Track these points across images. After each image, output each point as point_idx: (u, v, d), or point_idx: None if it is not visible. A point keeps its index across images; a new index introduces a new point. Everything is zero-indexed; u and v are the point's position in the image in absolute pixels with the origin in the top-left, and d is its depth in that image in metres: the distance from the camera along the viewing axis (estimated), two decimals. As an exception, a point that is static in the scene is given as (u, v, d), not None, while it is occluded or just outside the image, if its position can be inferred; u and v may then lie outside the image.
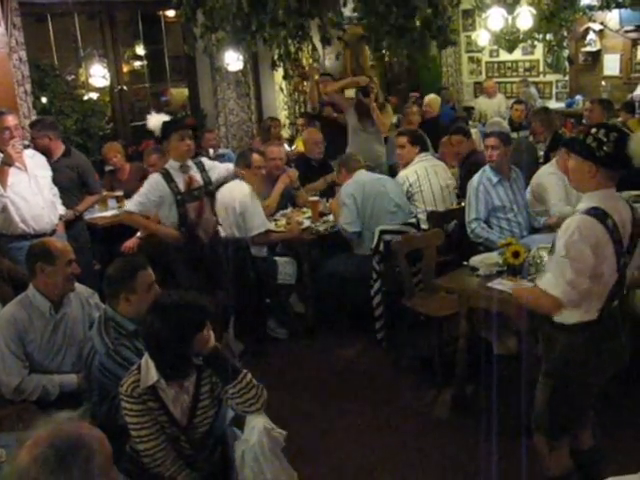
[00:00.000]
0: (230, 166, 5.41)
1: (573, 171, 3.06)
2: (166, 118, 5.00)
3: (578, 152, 2.99)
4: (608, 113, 7.86)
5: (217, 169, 5.19)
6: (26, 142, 5.91)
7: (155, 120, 4.95)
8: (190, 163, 4.94)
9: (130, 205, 4.96)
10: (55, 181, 5.54)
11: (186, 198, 4.85)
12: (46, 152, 5.68)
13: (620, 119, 8.94)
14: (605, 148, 2.87)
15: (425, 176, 5.97)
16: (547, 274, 3.02)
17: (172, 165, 4.87)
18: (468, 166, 6.25)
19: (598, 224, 2.85)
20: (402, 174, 6.08)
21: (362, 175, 5.65)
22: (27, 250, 3.71)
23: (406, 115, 8.51)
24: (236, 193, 5.40)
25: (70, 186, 5.79)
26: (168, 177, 4.83)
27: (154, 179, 4.88)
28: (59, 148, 5.81)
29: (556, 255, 2.94)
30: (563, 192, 5.26)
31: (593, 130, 2.96)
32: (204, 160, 5.21)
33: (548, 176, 5.42)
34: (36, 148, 5.68)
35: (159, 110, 8.93)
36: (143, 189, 4.90)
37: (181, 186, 4.84)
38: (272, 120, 8.44)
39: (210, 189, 5.05)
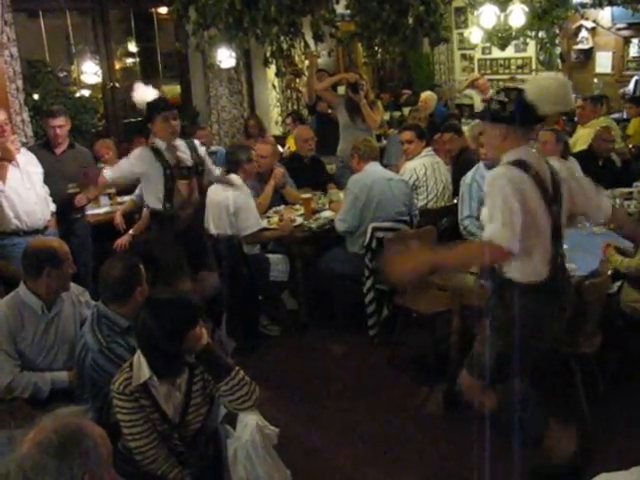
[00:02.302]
0: (217, 172, 5.36)
1: (487, 139, 3.26)
2: (152, 93, 4.96)
3: (487, 119, 3.18)
4: (602, 108, 7.89)
5: (209, 163, 5.19)
6: (24, 139, 5.89)
7: (141, 93, 4.93)
8: (178, 143, 4.91)
9: (109, 172, 4.89)
10: (63, 172, 5.53)
11: (175, 172, 4.81)
12: (64, 140, 5.68)
13: (626, 113, 9.01)
14: (508, 107, 3.04)
15: (432, 171, 5.99)
16: (488, 225, 3.05)
17: (158, 143, 4.83)
18: (460, 163, 6.27)
19: (521, 172, 2.97)
20: (410, 166, 6.06)
21: (372, 171, 5.55)
22: (27, 251, 3.64)
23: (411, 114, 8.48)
24: (230, 192, 5.37)
25: (76, 178, 5.77)
26: (156, 151, 4.79)
27: (142, 151, 4.83)
28: (67, 139, 5.80)
29: (487, 207, 3.03)
30: None
31: (494, 95, 3.18)
32: (197, 142, 5.17)
33: None
34: (55, 136, 5.62)
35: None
36: (128, 158, 4.87)
37: (170, 161, 4.81)
38: (252, 118, 8.45)
39: (200, 169, 5.01)
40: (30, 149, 5.56)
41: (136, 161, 4.82)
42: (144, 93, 4.93)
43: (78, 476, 1.72)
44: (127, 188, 6.42)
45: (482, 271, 3.44)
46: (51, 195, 5.40)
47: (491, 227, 2.95)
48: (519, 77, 11.63)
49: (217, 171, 5.36)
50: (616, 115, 9.20)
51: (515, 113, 3.02)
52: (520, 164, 2.99)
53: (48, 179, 5.37)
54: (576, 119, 8.03)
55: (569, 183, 3.20)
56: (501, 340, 3.14)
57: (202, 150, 5.16)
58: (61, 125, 5.61)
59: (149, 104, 4.88)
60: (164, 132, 4.81)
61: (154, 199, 4.87)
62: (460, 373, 3.43)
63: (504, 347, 3.13)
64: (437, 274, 4.55)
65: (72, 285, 3.75)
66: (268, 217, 5.93)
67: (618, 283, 4.38)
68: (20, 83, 6.69)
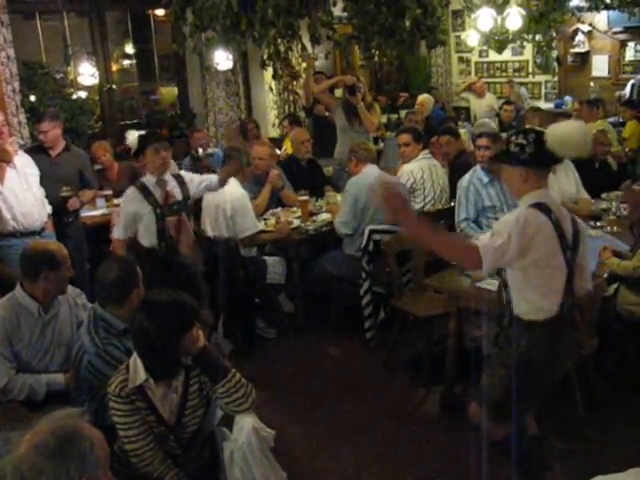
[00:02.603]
0: (212, 177, 5.24)
1: (507, 180, 3.25)
2: (141, 132, 4.97)
3: (506, 161, 3.17)
4: (598, 112, 7.90)
5: (196, 182, 5.06)
6: (21, 141, 5.89)
7: (133, 136, 4.93)
8: (168, 177, 4.85)
9: (116, 232, 4.89)
10: (58, 174, 5.53)
11: (165, 212, 4.78)
12: (53, 144, 5.67)
13: (620, 116, 9.02)
14: (527, 150, 3.04)
15: (429, 174, 5.99)
16: (485, 235, 3.09)
17: (148, 179, 4.79)
18: (457, 166, 6.27)
19: (542, 215, 2.99)
20: (407, 169, 6.06)
21: (370, 174, 5.50)
22: (25, 253, 3.62)
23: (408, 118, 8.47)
24: (227, 194, 5.36)
25: (72, 180, 5.77)
26: (145, 191, 4.75)
27: (130, 194, 4.80)
28: (62, 141, 5.79)
29: (500, 223, 3.07)
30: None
31: (512, 137, 3.14)
32: (183, 173, 5.14)
33: None
34: (45, 141, 5.63)
35: (148, 110, 8.98)
36: (122, 210, 4.86)
37: (160, 199, 4.77)
38: (251, 121, 8.45)
39: (188, 204, 4.96)
40: (26, 151, 5.55)
41: (129, 203, 4.81)
42: (135, 134, 4.93)
43: (75, 478, 1.71)
44: (123, 190, 6.42)
45: (493, 310, 3.43)
46: (45, 197, 5.39)
47: (488, 241, 2.96)
48: (517, 80, 11.68)
49: (214, 178, 5.29)
50: (612, 119, 9.21)
51: (534, 155, 3.02)
52: (542, 207, 3.01)
53: (42, 182, 5.36)
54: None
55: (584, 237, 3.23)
56: (510, 376, 3.13)
57: (189, 178, 5.06)
58: (45, 130, 5.60)
59: (140, 137, 4.87)
60: (154, 164, 4.75)
61: (147, 238, 4.79)
62: (469, 406, 3.44)
63: (511, 382, 3.12)
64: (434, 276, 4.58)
65: (69, 287, 3.74)
66: (265, 219, 5.93)
67: (614, 286, 4.39)
68: (17, 85, 6.69)
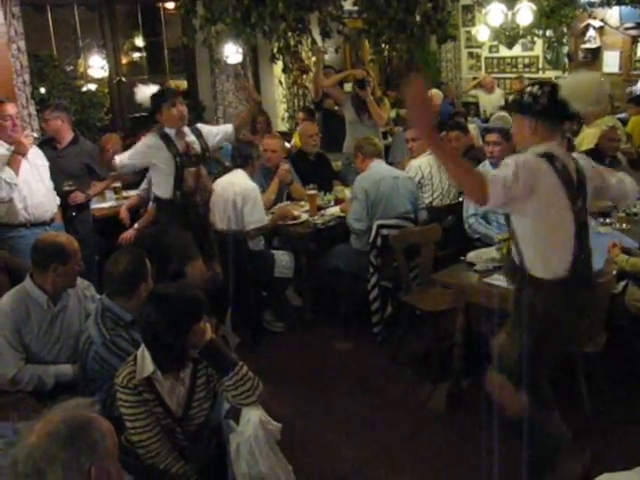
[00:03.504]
0: (229, 128, 5.32)
1: (516, 130, 3.24)
2: (154, 88, 4.97)
3: (517, 110, 3.18)
4: (607, 108, 7.86)
5: (214, 133, 5.18)
6: (35, 134, 5.91)
7: (143, 92, 4.94)
8: (186, 129, 4.93)
9: (117, 159, 4.89)
10: (63, 168, 5.55)
11: (185, 162, 4.82)
12: (56, 136, 5.70)
13: (627, 113, 8.97)
14: (541, 100, 3.03)
15: (437, 169, 5.97)
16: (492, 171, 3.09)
17: (168, 131, 4.85)
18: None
19: (547, 164, 2.97)
20: (415, 164, 6.04)
21: (378, 169, 5.54)
22: (37, 245, 3.64)
23: None
24: (237, 187, 5.38)
25: (79, 174, 5.79)
26: (167, 138, 4.81)
27: (151, 139, 4.85)
28: (69, 134, 5.82)
29: (504, 165, 3.01)
30: None
31: (527, 88, 3.14)
32: (200, 126, 5.18)
33: None
34: (45, 131, 5.68)
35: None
36: (138, 146, 4.90)
37: (180, 148, 4.83)
38: (260, 114, 8.43)
39: (207, 155, 5.03)
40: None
41: (146, 149, 4.85)
42: (146, 90, 4.93)
43: (85, 467, 1.73)
44: (132, 182, 6.44)
45: (505, 268, 3.40)
46: None
47: (496, 174, 2.93)
48: (526, 76, 11.63)
49: (229, 128, 5.33)
50: (622, 115, 9.17)
51: (547, 107, 3.02)
52: (547, 156, 2.99)
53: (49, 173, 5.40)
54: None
55: (594, 181, 3.20)
56: (522, 337, 3.12)
57: (206, 130, 5.16)
58: (46, 119, 5.75)
59: (154, 95, 4.89)
60: (172, 118, 4.83)
61: (164, 188, 4.88)
62: (487, 374, 3.38)
63: (526, 344, 3.11)
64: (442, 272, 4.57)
65: (78, 279, 3.75)
66: (273, 213, 5.93)
67: (623, 283, 4.37)
68: (27, 77, 6.72)
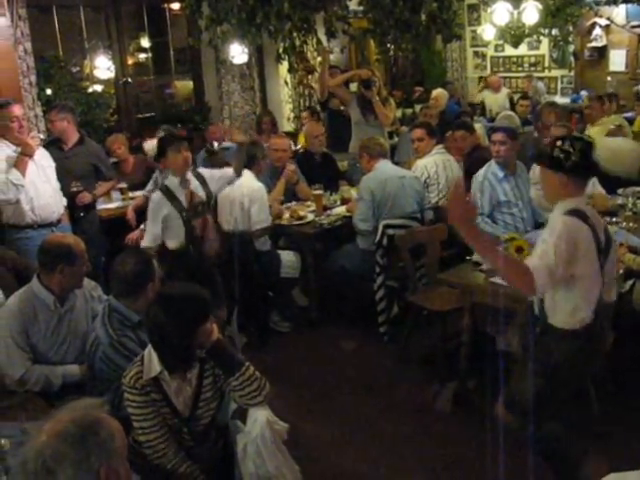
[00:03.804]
0: (229, 171, 5.31)
1: (546, 184, 3.21)
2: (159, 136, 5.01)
3: (548, 165, 3.13)
4: (611, 106, 7.84)
5: (216, 176, 5.15)
6: (42, 136, 5.93)
7: (151, 146, 4.97)
8: (190, 176, 4.91)
9: (146, 241, 4.91)
10: (69, 169, 5.56)
11: (190, 214, 4.83)
12: (62, 137, 5.73)
13: (634, 112, 8.95)
14: (573, 158, 3.00)
15: (443, 168, 5.97)
16: (533, 257, 3.04)
17: (172, 181, 4.84)
18: (472, 161, 6.25)
19: (581, 222, 2.96)
20: (421, 164, 6.04)
21: (384, 168, 5.54)
22: (44, 246, 3.65)
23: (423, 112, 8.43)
24: (244, 188, 5.38)
25: (85, 174, 5.80)
26: (169, 194, 4.81)
27: (155, 200, 4.85)
28: (75, 134, 5.83)
29: (544, 240, 3.01)
30: None
31: (559, 143, 3.09)
32: (203, 171, 5.15)
33: None
34: (52, 132, 5.71)
35: (164, 104, 9.00)
36: (149, 216, 4.88)
37: (184, 202, 4.83)
38: (265, 115, 8.45)
39: (212, 203, 5.02)
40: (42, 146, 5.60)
41: (158, 208, 4.83)
42: (153, 144, 4.97)
43: (94, 467, 1.74)
44: (138, 183, 6.46)
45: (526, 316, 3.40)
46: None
47: (538, 262, 2.92)
48: (534, 75, 11.61)
49: (229, 171, 5.31)
50: (629, 114, 9.15)
51: (578, 165, 3.00)
52: (579, 214, 2.98)
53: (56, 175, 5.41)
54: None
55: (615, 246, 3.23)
56: (542, 383, 3.13)
57: (208, 175, 5.12)
58: (52, 120, 5.74)
59: (160, 140, 4.92)
60: (176, 163, 4.82)
61: (175, 241, 4.85)
62: (496, 405, 3.39)
63: (544, 389, 3.13)
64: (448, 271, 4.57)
65: (85, 280, 3.77)
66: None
67: (630, 282, 4.36)
68: (33, 78, 6.72)
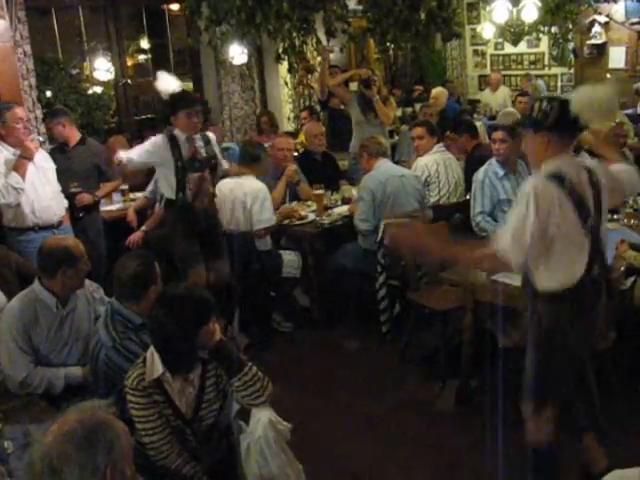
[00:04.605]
0: (225, 165, 5.37)
1: (529, 148, 3.21)
2: (175, 85, 4.97)
3: (529, 127, 3.15)
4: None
5: (220, 157, 5.23)
6: (41, 138, 5.94)
7: (165, 83, 4.94)
8: (197, 136, 4.96)
9: (126, 155, 4.90)
10: (72, 169, 5.57)
11: (187, 166, 4.85)
12: (64, 140, 5.74)
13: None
14: (551, 116, 3.02)
15: (444, 167, 5.98)
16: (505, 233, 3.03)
17: (178, 134, 4.88)
18: (473, 159, 6.25)
19: (556, 186, 2.93)
20: (421, 162, 6.05)
21: (385, 168, 5.54)
22: (43, 250, 3.65)
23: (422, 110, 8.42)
24: (247, 187, 5.38)
25: (87, 174, 5.81)
26: (174, 141, 4.84)
27: (159, 139, 4.88)
28: (75, 134, 5.84)
29: (511, 210, 3.04)
30: None
31: (536, 104, 3.13)
32: (210, 135, 5.19)
33: None
34: (53, 138, 5.73)
35: (164, 104, 8.98)
36: (146, 144, 4.92)
37: (185, 153, 4.85)
38: (265, 114, 8.46)
39: (213, 163, 5.04)
40: (49, 152, 5.63)
41: (152, 148, 4.87)
42: (168, 82, 4.94)
43: (101, 467, 1.75)
44: (139, 184, 6.45)
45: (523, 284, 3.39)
46: (61, 192, 5.44)
47: (504, 238, 2.94)
48: (533, 73, 11.60)
49: (225, 165, 5.36)
50: (629, 110, 9.14)
51: (558, 122, 3.01)
52: (557, 177, 2.96)
53: (58, 176, 5.41)
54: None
55: (609, 185, 3.17)
56: (540, 353, 3.13)
57: (214, 141, 5.19)
58: (49, 127, 5.86)
59: (173, 97, 4.91)
60: (186, 126, 4.88)
61: (167, 188, 4.94)
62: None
63: (544, 360, 3.12)
64: (448, 269, 4.56)
65: (87, 282, 3.77)
66: (280, 213, 5.92)
67: (632, 279, 4.36)
68: (33, 80, 6.71)
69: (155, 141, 4.89)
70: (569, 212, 2.95)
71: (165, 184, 4.96)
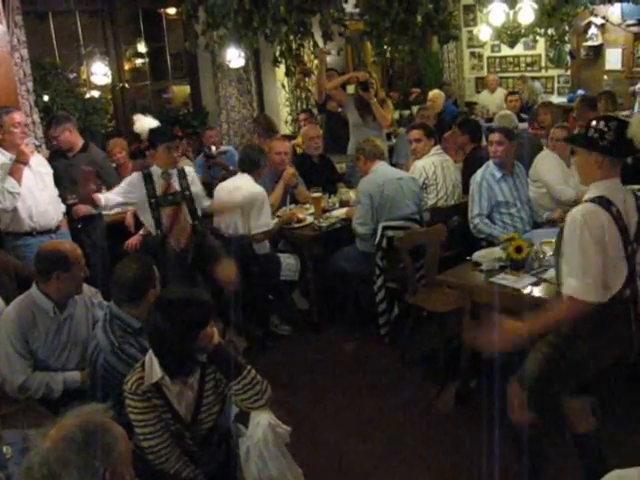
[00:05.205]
0: (205, 203, 5.26)
1: (581, 165, 3.18)
2: (153, 123, 4.96)
3: (583, 145, 3.11)
4: (602, 106, 7.83)
5: (197, 184, 5.15)
6: (37, 142, 5.92)
7: (142, 123, 4.94)
8: (172, 171, 4.93)
9: (106, 194, 4.94)
10: (74, 176, 5.56)
11: (161, 202, 4.84)
12: (69, 147, 5.74)
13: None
14: (607, 137, 2.99)
15: (441, 169, 5.99)
16: (568, 279, 3.01)
17: (155, 170, 4.87)
18: (471, 161, 6.26)
19: (602, 211, 2.92)
20: (419, 165, 6.05)
21: (382, 171, 5.53)
22: (39, 254, 3.65)
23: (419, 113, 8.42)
24: (245, 191, 5.37)
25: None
26: (148, 178, 4.83)
27: (133, 179, 4.87)
28: (78, 141, 5.83)
29: (565, 252, 3.00)
30: (561, 173, 5.47)
31: (593, 123, 3.07)
32: (187, 169, 5.15)
33: (542, 161, 5.70)
34: (58, 145, 5.71)
35: (161, 109, 8.99)
36: (122, 183, 4.92)
37: (158, 189, 4.84)
38: (261, 117, 8.46)
39: (187, 195, 4.98)
40: (47, 158, 5.61)
41: (127, 187, 4.88)
42: (145, 122, 4.94)
43: (100, 471, 1.74)
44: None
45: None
46: (60, 197, 5.43)
47: (571, 282, 2.94)
48: (529, 75, 11.63)
49: (206, 202, 5.28)
50: (627, 112, 9.15)
51: (614, 143, 2.98)
52: (602, 201, 2.95)
53: (59, 182, 5.41)
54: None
55: None
56: (551, 353, 3.14)
57: (193, 176, 5.12)
58: (55, 136, 5.74)
59: (153, 131, 4.90)
60: (164, 161, 4.85)
61: (147, 225, 4.93)
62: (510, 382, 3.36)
63: (552, 361, 3.14)
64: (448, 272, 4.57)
65: (85, 286, 3.76)
66: (278, 216, 5.93)
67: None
68: (30, 85, 6.72)
69: (131, 180, 4.90)
70: (614, 237, 2.95)
71: (144, 220, 4.95)
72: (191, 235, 5.01)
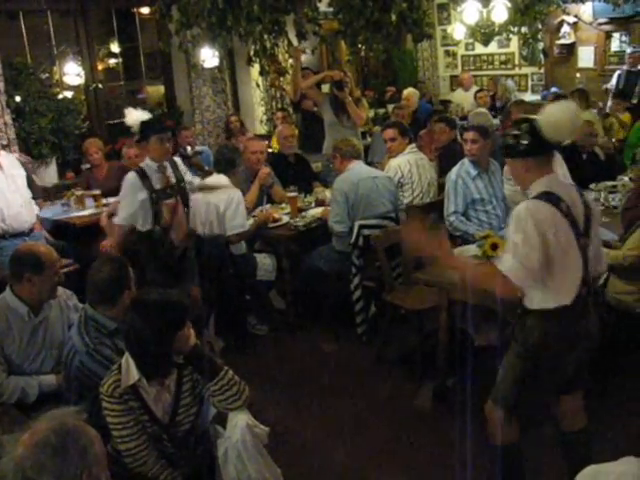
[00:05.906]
0: (194, 181, 5.29)
1: (513, 174, 3.27)
2: (145, 116, 4.92)
3: (506, 155, 3.19)
4: (585, 103, 7.92)
5: (188, 174, 5.16)
6: (4, 142, 5.85)
7: (133, 116, 4.89)
8: (166, 163, 4.91)
9: (120, 219, 4.85)
10: None
11: (161, 195, 4.81)
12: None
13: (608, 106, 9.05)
14: (523, 140, 3.04)
15: (416, 167, 6.01)
16: (506, 256, 3.04)
17: (149, 164, 4.83)
18: (446, 156, 6.29)
19: (549, 206, 2.94)
20: (394, 164, 6.06)
21: (357, 170, 5.52)
22: (13, 256, 3.61)
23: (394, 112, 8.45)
24: (221, 192, 5.34)
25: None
26: (143, 175, 4.79)
27: (130, 180, 4.82)
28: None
29: (509, 237, 3.02)
30: None
31: (507, 131, 3.20)
32: (176, 159, 5.14)
33: None
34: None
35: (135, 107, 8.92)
36: (125, 197, 4.84)
37: (156, 184, 4.81)
38: (232, 116, 8.44)
39: (182, 186, 4.99)
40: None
41: (130, 189, 4.81)
42: (136, 115, 4.89)
43: (77, 474, 1.72)
44: (112, 189, 6.40)
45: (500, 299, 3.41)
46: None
47: (508, 260, 2.95)
48: (503, 73, 11.71)
49: (196, 180, 5.31)
50: (598, 109, 9.24)
51: (530, 144, 3.02)
52: (548, 197, 2.97)
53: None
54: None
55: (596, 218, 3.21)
56: (523, 365, 3.14)
57: (183, 166, 5.14)
58: None
59: (145, 123, 4.85)
60: (157, 152, 4.82)
61: (144, 222, 4.84)
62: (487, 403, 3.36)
63: (525, 372, 3.14)
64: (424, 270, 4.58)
65: (60, 289, 3.72)
66: (254, 216, 5.91)
67: (604, 276, 4.40)
68: (2, 85, 6.65)
69: (128, 182, 4.83)
70: (565, 231, 2.96)
71: (144, 218, 4.85)
72: (187, 227, 5.03)
